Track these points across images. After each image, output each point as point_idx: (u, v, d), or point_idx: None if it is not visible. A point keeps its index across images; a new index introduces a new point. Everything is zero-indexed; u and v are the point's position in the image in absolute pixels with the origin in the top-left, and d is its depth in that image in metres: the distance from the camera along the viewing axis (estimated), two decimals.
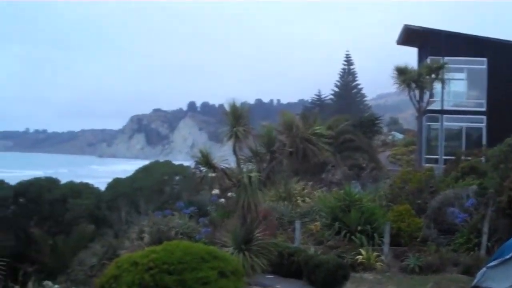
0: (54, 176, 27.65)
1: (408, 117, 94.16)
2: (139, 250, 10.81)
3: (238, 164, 11.31)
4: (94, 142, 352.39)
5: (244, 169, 11.25)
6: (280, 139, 11.69)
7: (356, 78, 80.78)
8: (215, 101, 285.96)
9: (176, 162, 33.60)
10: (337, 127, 27.08)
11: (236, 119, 11.08)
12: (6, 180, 23.49)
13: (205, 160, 10.92)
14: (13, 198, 21.79)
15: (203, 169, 10.96)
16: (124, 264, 8.13)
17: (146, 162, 34.26)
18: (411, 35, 33.22)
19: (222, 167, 11.01)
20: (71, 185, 24.11)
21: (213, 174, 10.81)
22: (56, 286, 12.56)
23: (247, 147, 11.62)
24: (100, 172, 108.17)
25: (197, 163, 11.05)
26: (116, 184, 28.93)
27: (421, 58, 33.31)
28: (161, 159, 38.62)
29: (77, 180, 26.67)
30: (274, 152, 11.44)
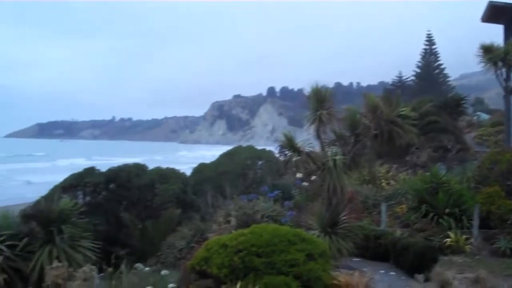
0: (150, 162, 28.61)
1: (493, 96, 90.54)
2: (226, 233, 11.03)
3: (322, 147, 11.27)
4: (177, 129, 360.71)
5: (329, 153, 11.20)
6: (364, 121, 11.56)
7: (438, 58, 78.27)
8: (294, 85, 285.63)
9: (258, 147, 33.88)
10: (421, 108, 26.34)
11: (319, 103, 11.04)
12: (97, 167, 24.37)
13: (290, 144, 10.95)
14: (104, 184, 22.57)
15: (288, 153, 11.00)
16: (213, 246, 8.33)
17: (228, 148, 34.74)
18: (496, 12, 31.69)
19: (307, 150, 11.01)
20: (158, 170, 24.72)
21: (298, 158, 10.82)
22: (147, 268, 13.00)
23: (331, 130, 11.56)
24: (186, 158, 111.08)
25: (282, 147, 11.10)
26: (201, 169, 29.56)
27: (507, 35, 31.78)
28: (242, 144, 38.97)
29: (164, 165, 27.26)
30: (359, 135, 11.33)
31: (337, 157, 10.70)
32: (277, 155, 12.23)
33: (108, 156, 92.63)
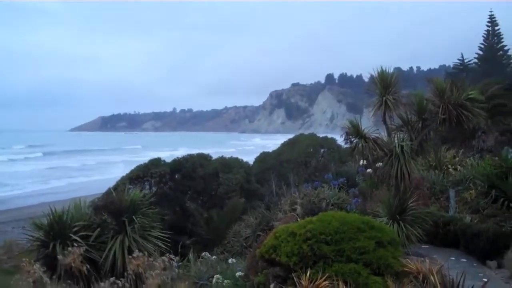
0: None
1: None
2: (292, 221, 11.03)
3: (389, 133, 11.13)
4: (237, 119, 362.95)
5: (395, 138, 11.05)
6: (430, 106, 11.33)
7: (502, 40, 75.44)
8: (353, 72, 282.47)
9: (319, 135, 33.74)
10: (487, 91, 25.59)
11: (385, 88, 10.89)
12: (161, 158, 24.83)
13: (356, 131, 10.85)
14: (170, 175, 23.01)
15: (354, 139, 10.91)
16: (282, 234, 8.37)
17: (288, 136, 34.73)
18: None
19: (373, 136, 10.89)
20: (221, 160, 25.01)
21: (364, 144, 10.70)
22: (214, 257, 13.17)
23: (397, 115, 11.39)
24: (248, 147, 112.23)
25: (347, 134, 11.01)
26: (263, 158, 29.72)
27: None
28: (302, 132, 38.89)
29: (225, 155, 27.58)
30: (426, 120, 11.11)
31: (404, 143, 10.54)
32: (342, 142, 12.11)
33: (184, 147, 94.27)
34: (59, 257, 5.48)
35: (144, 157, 30.99)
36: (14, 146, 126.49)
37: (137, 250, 9.66)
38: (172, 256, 6.05)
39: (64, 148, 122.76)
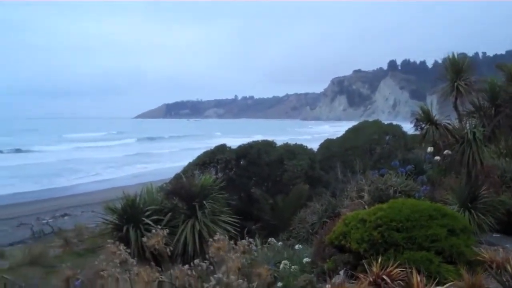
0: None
1: None
2: (359, 208, 11.01)
3: (460, 119, 10.94)
4: (298, 106, 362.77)
5: (467, 125, 10.84)
6: (503, 92, 11.06)
7: None
8: (416, 58, 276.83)
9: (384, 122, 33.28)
10: None
11: (456, 73, 10.69)
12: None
13: (426, 117, 10.70)
14: (235, 161, 23.26)
15: (425, 126, 10.76)
16: (351, 221, 8.38)
17: (351, 124, 34.40)
18: None
19: (444, 123, 10.72)
20: (286, 146, 25.06)
21: (435, 131, 10.55)
22: (280, 243, 13.27)
23: (470, 101, 11.17)
24: (311, 134, 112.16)
25: (417, 120, 10.87)
26: (327, 145, 29.60)
27: None
28: (364, 119, 38.42)
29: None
30: (500, 106, 10.86)
31: (477, 129, 10.34)
32: (408, 129, 11.97)
33: (258, 134, 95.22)
34: (144, 239, 5.67)
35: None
36: (91, 133, 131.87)
37: (207, 235, 9.92)
38: (251, 240, 6.16)
39: (146, 135, 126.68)
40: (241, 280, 5.36)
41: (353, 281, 7.44)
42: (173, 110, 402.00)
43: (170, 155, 76.95)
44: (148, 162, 67.72)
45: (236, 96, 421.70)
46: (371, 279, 6.96)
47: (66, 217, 31.86)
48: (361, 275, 7.10)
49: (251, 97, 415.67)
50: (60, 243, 21.30)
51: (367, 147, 27.78)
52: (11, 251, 21.11)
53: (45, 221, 29.36)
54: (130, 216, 12.54)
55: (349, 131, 30.71)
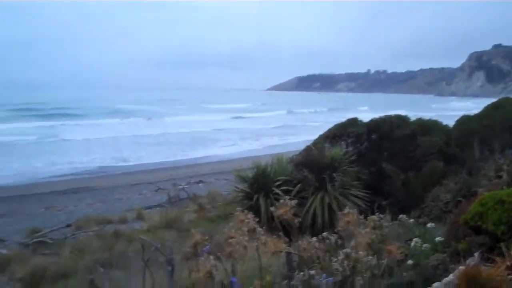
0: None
1: None
2: (497, 188, 10.48)
3: None
4: (433, 81, 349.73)
5: None
6: None
7: None
8: None
9: None
10: None
11: None
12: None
13: None
14: (366, 135, 22.93)
15: None
16: (489, 202, 8.01)
17: (490, 100, 32.68)
18: None
19: None
20: (420, 122, 24.32)
21: None
22: (411, 220, 12.98)
23: None
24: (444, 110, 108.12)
25: None
26: (464, 121, 28.31)
27: None
28: (504, 96, 36.25)
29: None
30: None
31: None
32: None
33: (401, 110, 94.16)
34: (272, 208, 5.77)
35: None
36: (238, 104, 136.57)
37: (336, 207, 9.90)
38: (381, 215, 6.08)
39: (294, 108, 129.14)
40: (370, 256, 5.31)
41: (488, 264, 7.14)
42: (305, 83, 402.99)
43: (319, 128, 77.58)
44: (295, 134, 68.24)
45: (369, 70, 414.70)
46: (508, 264, 6.63)
47: (200, 184, 33.08)
48: (498, 259, 6.79)
49: (384, 71, 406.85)
50: (194, 208, 22.12)
51: (507, 125, 26.25)
52: (149, 214, 22.35)
53: (181, 186, 30.62)
54: (260, 185, 12.80)
55: (488, 108, 29.17)
